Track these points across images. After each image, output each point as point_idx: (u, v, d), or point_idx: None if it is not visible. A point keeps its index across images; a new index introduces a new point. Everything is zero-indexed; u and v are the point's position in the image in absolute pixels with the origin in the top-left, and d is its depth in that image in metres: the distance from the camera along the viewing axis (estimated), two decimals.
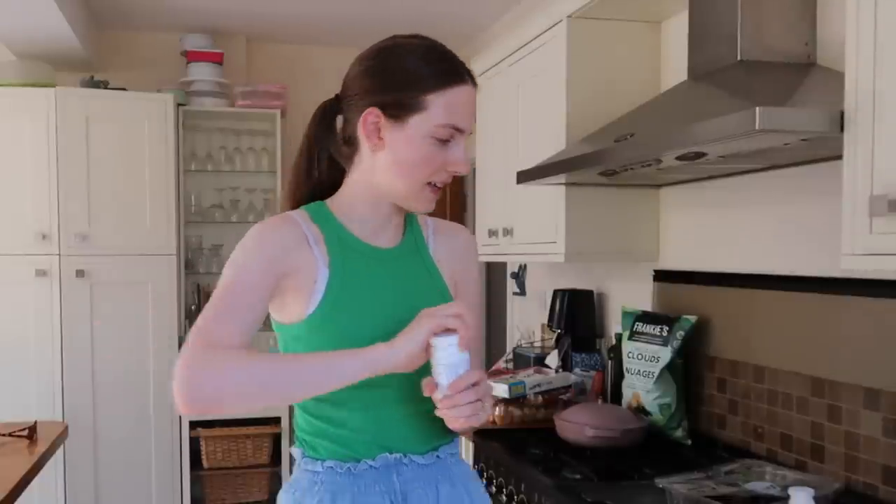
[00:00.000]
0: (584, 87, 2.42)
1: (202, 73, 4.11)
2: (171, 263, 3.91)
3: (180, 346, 4.04)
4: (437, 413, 1.18)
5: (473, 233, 3.73)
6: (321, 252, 1.23)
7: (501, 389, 2.46)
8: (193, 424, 3.89)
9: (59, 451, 3.34)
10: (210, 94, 4.14)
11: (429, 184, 1.24)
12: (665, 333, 2.25)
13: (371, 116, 1.21)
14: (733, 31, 1.82)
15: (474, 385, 1.16)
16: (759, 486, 1.61)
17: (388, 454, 1.26)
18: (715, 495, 1.53)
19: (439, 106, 1.20)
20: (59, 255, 3.72)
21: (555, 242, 2.50)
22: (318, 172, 1.32)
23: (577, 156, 2.06)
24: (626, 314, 2.45)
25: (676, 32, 2.39)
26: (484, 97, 3.21)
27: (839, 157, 1.39)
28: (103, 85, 3.91)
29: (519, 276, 3.64)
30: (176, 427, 3.87)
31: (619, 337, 2.48)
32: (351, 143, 1.28)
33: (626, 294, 2.72)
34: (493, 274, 4.56)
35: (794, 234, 1.98)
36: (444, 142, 1.21)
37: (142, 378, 3.84)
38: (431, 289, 1.32)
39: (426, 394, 1.19)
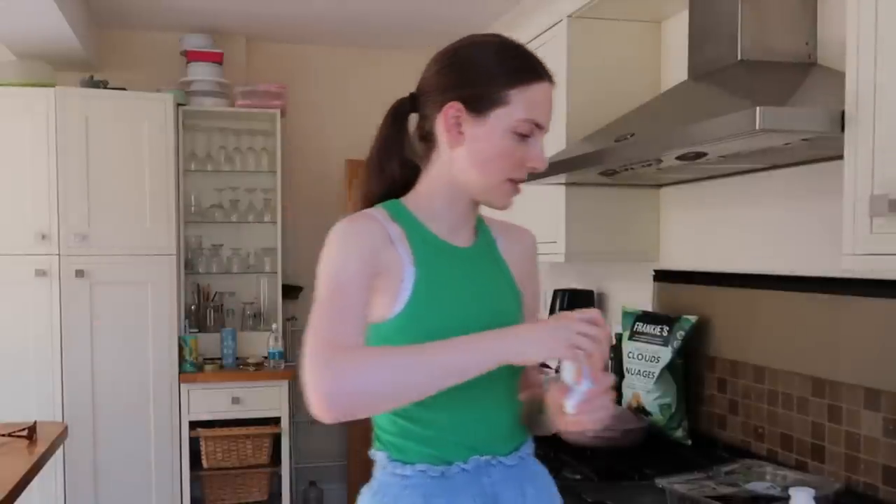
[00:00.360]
0: (584, 87, 2.43)
1: (202, 73, 4.10)
2: (171, 263, 3.91)
3: (180, 346, 4.04)
4: (563, 424, 1.21)
5: None
6: (405, 250, 1.22)
7: None
8: (193, 424, 3.89)
9: (59, 451, 3.35)
10: (210, 94, 4.14)
11: (508, 179, 1.24)
12: (665, 333, 2.25)
13: (452, 110, 1.21)
14: (733, 30, 1.82)
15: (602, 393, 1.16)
16: (759, 487, 1.61)
17: (478, 456, 1.24)
18: (715, 495, 1.53)
19: (521, 101, 1.20)
20: (59, 255, 3.71)
21: (555, 242, 2.49)
22: (391, 171, 1.31)
23: (578, 156, 2.06)
24: (626, 314, 2.45)
25: (676, 32, 2.39)
26: None
27: (839, 157, 1.39)
28: (103, 85, 3.91)
29: None
30: (176, 427, 3.87)
31: (619, 337, 2.48)
32: (428, 139, 1.28)
33: (626, 294, 2.72)
34: None
35: (794, 234, 1.98)
36: (524, 137, 1.21)
37: (142, 378, 3.83)
38: (506, 289, 1.32)
39: (556, 398, 1.19)
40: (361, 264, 1.18)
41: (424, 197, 1.29)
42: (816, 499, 1.40)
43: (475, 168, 1.23)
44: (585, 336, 1.10)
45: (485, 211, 1.36)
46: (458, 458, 1.23)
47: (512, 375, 1.28)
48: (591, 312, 1.14)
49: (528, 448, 1.34)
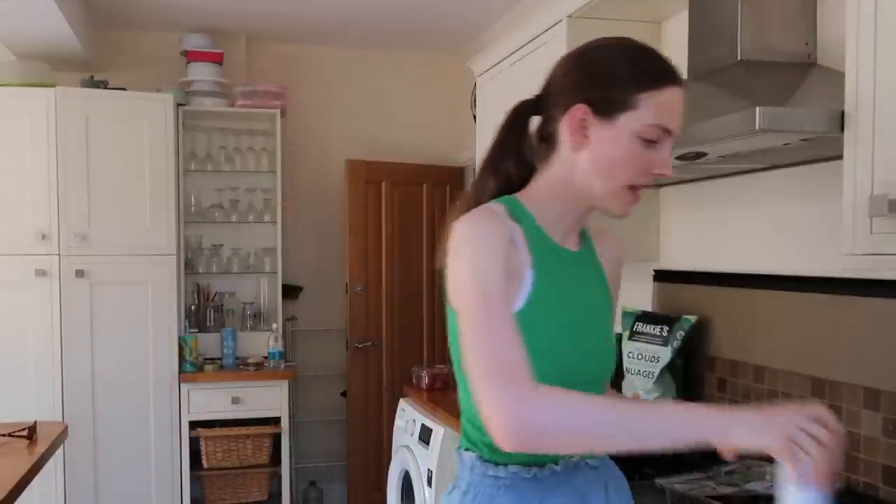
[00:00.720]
0: None
1: (202, 73, 4.11)
2: (171, 263, 3.91)
3: (180, 346, 4.04)
4: None
5: None
6: (525, 251, 1.20)
7: None
8: (193, 424, 3.90)
9: (59, 451, 3.35)
10: (210, 94, 4.14)
11: (630, 186, 1.20)
12: (665, 333, 2.25)
13: (579, 113, 1.19)
14: (733, 31, 1.82)
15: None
16: (759, 486, 1.61)
17: (570, 458, 1.24)
18: (715, 495, 1.54)
19: (650, 105, 1.16)
20: (59, 255, 3.71)
21: None
22: (508, 170, 1.29)
23: None
24: (626, 314, 2.45)
25: (676, 32, 2.39)
26: (484, 97, 3.22)
27: (839, 157, 1.39)
28: (103, 85, 3.91)
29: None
30: (176, 427, 3.87)
31: (619, 337, 2.48)
32: (549, 141, 1.25)
33: (626, 294, 2.70)
34: None
35: (794, 234, 1.98)
36: (651, 143, 1.17)
37: (142, 378, 3.83)
38: (605, 297, 1.32)
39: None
40: (502, 266, 1.14)
41: (541, 198, 1.26)
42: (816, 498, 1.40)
43: (597, 172, 1.20)
44: (810, 436, 0.99)
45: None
46: (550, 459, 1.23)
47: (602, 379, 1.30)
48: (819, 409, 1.02)
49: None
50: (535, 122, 1.28)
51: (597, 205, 1.24)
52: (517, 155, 1.28)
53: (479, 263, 1.14)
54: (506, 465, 1.23)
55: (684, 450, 1.04)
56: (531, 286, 1.18)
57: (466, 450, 1.29)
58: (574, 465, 1.25)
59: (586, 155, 1.20)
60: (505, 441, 1.05)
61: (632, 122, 1.16)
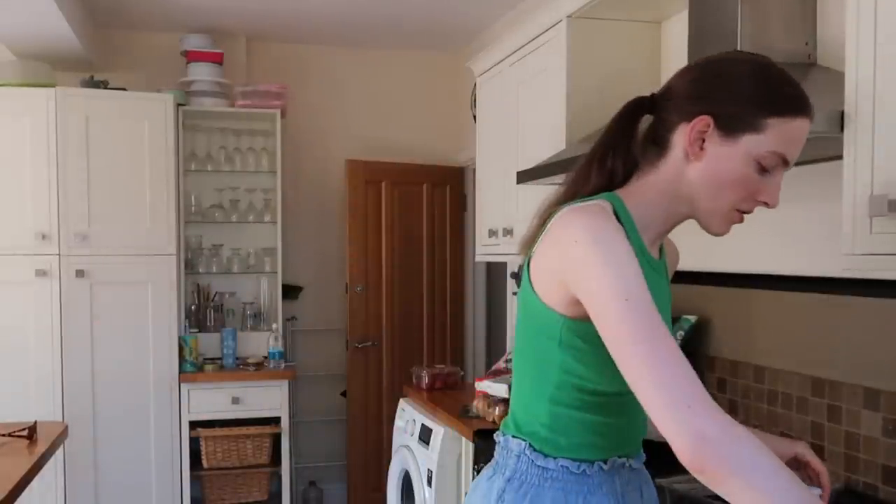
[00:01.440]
0: (584, 88, 2.43)
1: (202, 73, 4.11)
2: (171, 263, 3.91)
3: (180, 346, 4.03)
4: None
5: (473, 233, 3.74)
6: None
7: (501, 389, 2.45)
8: (193, 424, 3.90)
9: (59, 451, 3.35)
10: (210, 94, 4.14)
11: (738, 211, 1.19)
12: None
13: (701, 124, 1.15)
14: (733, 31, 1.82)
15: None
16: None
17: (616, 458, 1.27)
18: (715, 495, 1.53)
19: (776, 132, 1.13)
20: (59, 255, 3.71)
21: None
22: (613, 166, 1.26)
23: (577, 156, 2.06)
24: None
25: (676, 32, 2.39)
26: (484, 97, 3.22)
27: (839, 157, 1.39)
28: (103, 85, 3.91)
29: (519, 276, 3.64)
30: (176, 427, 3.87)
31: None
32: (660, 144, 1.22)
33: None
34: (493, 274, 4.56)
35: (794, 234, 1.98)
36: (765, 170, 1.14)
37: (142, 378, 3.83)
38: (671, 308, 1.32)
39: None
40: (639, 271, 1.10)
41: (641, 200, 1.23)
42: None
43: (707, 188, 1.18)
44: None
45: None
46: (600, 456, 1.25)
47: None
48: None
49: (642, 450, 1.36)
50: (646, 121, 1.26)
51: (697, 218, 1.23)
52: (626, 152, 1.26)
53: (621, 270, 1.08)
54: (555, 457, 1.23)
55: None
56: None
57: (514, 437, 1.28)
58: (620, 465, 1.27)
59: (699, 167, 1.17)
60: (692, 459, 1.01)
61: (752, 145, 1.13)
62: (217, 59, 4.15)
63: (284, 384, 3.99)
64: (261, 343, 4.16)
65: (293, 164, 4.44)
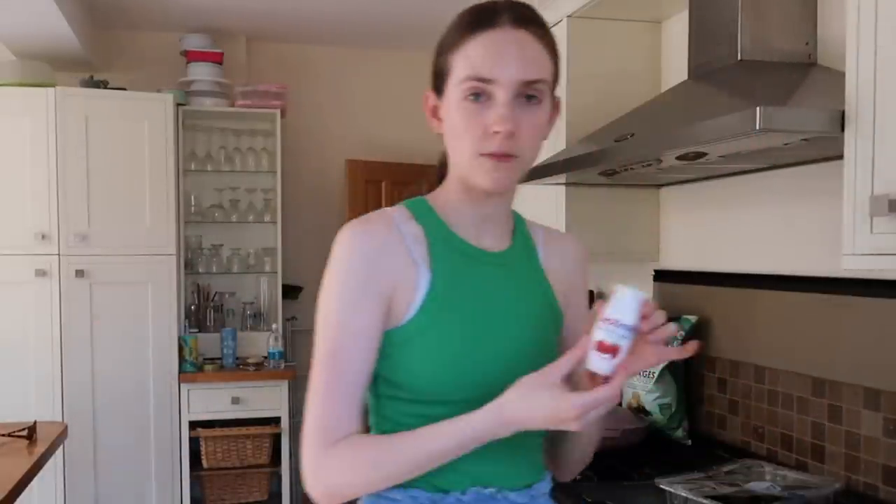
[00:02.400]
0: (584, 87, 2.42)
1: (202, 73, 4.10)
2: (171, 263, 3.91)
3: (180, 346, 4.03)
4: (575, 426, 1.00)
5: None
6: (422, 253, 1.10)
7: None
8: (193, 424, 3.89)
9: (59, 451, 3.34)
10: (210, 93, 4.14)
11: (485, 154, 1.06)
12: None
13: (428, 99, 1.14)
14: (733, 31, 1.82)
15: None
16: (759, 486, 1.61)
17: (481, 488, 1.10)
18: (715, 495, 1.53)
19: (460, 62, 1.07)
20: (59, 255, 3.71)
21: None
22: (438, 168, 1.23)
23: (577, 156, 2.06)
24: None
25: (676, 32, 2.39)
26: None
27: (839, 157, 1.39)
28: (103, 85, 3.91)
29: None
30: (176, 427, 3.87)
31: None
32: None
33: None
34: None
35: (794, 234, 1.98)
36: (479, 101, 1.05)
37: (142, 378, 3.83)
38: (541, 300, 1.18)
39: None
40: (372, 298, 1.07)
41: (444, 194, 1.17)
42: (816, 498, 1.40)
43: (451, 150, 1.12)
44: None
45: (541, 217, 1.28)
46: (456, 486, 1.10)
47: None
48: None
49: (544, 487, 1.20)
50: None
51: (469, 184, 1.11)
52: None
53: (342, 293, 1.09)
54: (405, 488, 1.10)
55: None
56: (426, 290, 1.08)
57: None
58: (488, 497, 1.11)
59: (446, 136, 1.12)
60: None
61: (453, 86, 1.07)
62: (217, 59, 4.15)
63: (284, 384, 3.99)
64: (261, 343, 4.15)
65: (293, 164, 4.44)
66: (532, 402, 0.99)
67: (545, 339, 1.16)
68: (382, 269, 1.08)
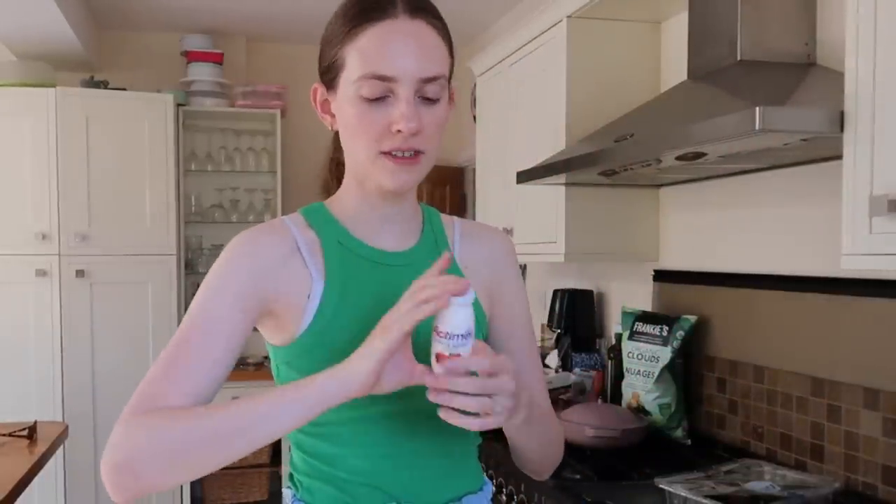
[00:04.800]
0: (584, 87, 2.43)
1: (202, 74, 4.11)
2: (171, 263, 3.91)
3: None
4: (429, 397, 0.90)
5: None
6: (316, 261, 1.04)
7: None
8: None
9: (59, 451, 3.35)
10: (210, 94, 4.14)
11: (385, 153, 0.98)
12: (665, 333, 2.25)
13: (317, 93, 1.06)
14: (733, 31, 1.82)
15: (491, 376, 0.90)
16: (758, 486, 1.61)
17: None
18: (715, 495, 1.53)
19: (354, 57, 0.97)
20: (59, 255, 3.72)
21: (555, 242, 2.50)
22: (332, 170, 1.19)
23: (577, 156, 2.06)
24: (625, 314, 2.45)
25: (676, 32, 2.39)
26: (484, 97, 3.22)
27: (839, 157, 1.39)
28: (103, 85, 3.91)
29: None
30: None
31: (618, 337, 2.48)
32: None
33: (626, 294, 2.72)
34: None
35: (794, 234, 1.98)
36: (377, 100, 0.97)
37: (142, 378, 3.82)
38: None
39: (416, 380, 0.91)
40: (237, 298, 0.99)
41: (341, 195, 1.11)
42: (816, 498, 1.40)
43: (347, 149, 1.05)
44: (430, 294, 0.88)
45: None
46: (367, 503, 1.03)
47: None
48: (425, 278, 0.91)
49: (479, 500, 1.10)
50: None
51: (369, 183, 1.04)
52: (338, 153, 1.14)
53: (213, 284, 1.01)
54: None
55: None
56: (320, 299, 1.02)
57: (287, 487, 1.13)
58: None
59: (340, 133, 1.05)
60: (107, 489, 0.93)
61: (346, 83, 0.99)
62: (217, 60, 4.15)
63: None
64: (261, 343, 4.10)
65: (293, 164, 4.44)
66: (363, 347, 0.90)
67: None
68: (261, 277, 1.01)
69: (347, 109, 0.99)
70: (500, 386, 0.90)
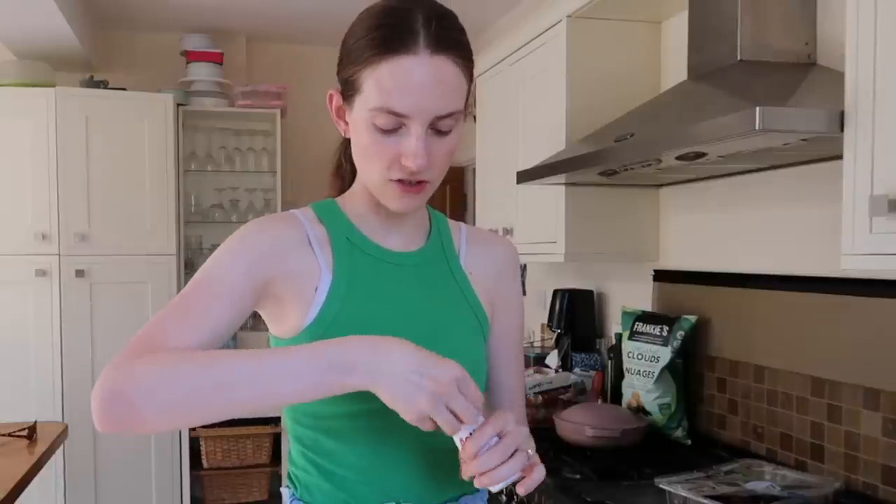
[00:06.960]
0: (584, 87, 2.43)
1: (202, 73, 4.11)
2: (171, 263, 3.91)
3: None
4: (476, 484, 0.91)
5: None
6: (325, 255, 1.05)
7: None
8: None
9: (59, 451, 3.35)
10: (210, 94, 4.14)
11: (394, 180, 1.00)
12: (665, 333, 2.25)
13: (333, 99, 1.06)
14: (733, 30, 1.82)
15: (501, 437, 0.90)
16: (759, 486, 1.61)
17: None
18: (715, 495, 1.53)
19: (371, 85, 0.96)
20: (59, 255, 3.72)
21: (555, 242, 2.50)
22: (344, 165, 1.18)
23: (577, 156, 2.06)
24: (625, 314, 2.44)
25: (676, 32, 2.39)
26: (484, 97, 3.22)
27: (839, 157, 1.39)
28: (103, 85, 3.91)
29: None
30: None
31: (619, 337, 2.48)
32: None
33: (626, 294, 2.72)
34: None
35: (794, 234, 1.98)
36: (388, 131, 0.97)
37: None
38: (460, 302, 1.12)
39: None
40: (247, 265, 0.99)
41: (352, 195, 1.12)
42: (816, 498, 1.40)
43: (358, 164, 1.05)
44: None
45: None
46: (367, 502, 1.03)
47: None
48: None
49: (476, 500, 1.12)
50: None
51: (375, 196, 1.06)
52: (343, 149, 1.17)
53: (221, 256, 1.01)
54: None
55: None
56: (328, 291, 1.03)
57: (286, 486, 1.12)
58: None
59: (353, 142, 1.04)
60: (96, 421, 0.88)
61: (361, 107, 0.98)
62: (217, 59, 4.15)
63: None
64: (261, 343, 4.14)
65: (293, 164, 4.44)
66: (387, 352, 0.89)
67: (463, 342, 1.09)
68: (279, 263, 1.02)
69: (362, 132, 1.00)
70: (516, 439, 0.91)
